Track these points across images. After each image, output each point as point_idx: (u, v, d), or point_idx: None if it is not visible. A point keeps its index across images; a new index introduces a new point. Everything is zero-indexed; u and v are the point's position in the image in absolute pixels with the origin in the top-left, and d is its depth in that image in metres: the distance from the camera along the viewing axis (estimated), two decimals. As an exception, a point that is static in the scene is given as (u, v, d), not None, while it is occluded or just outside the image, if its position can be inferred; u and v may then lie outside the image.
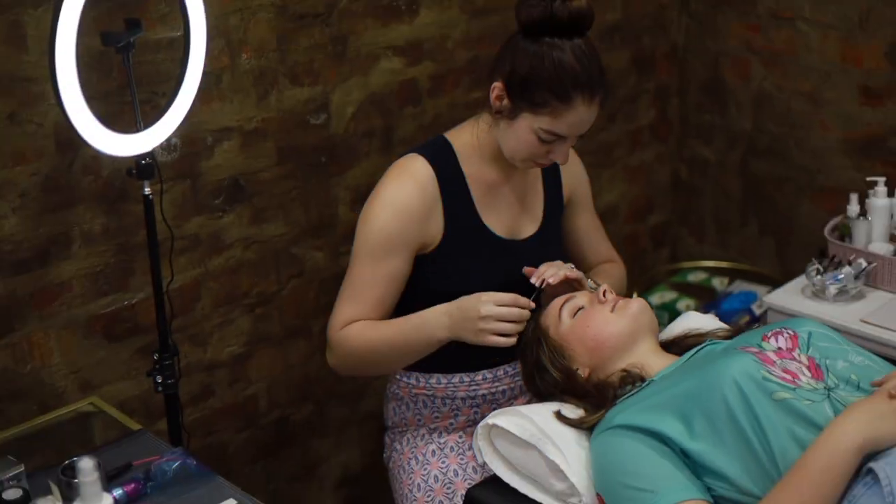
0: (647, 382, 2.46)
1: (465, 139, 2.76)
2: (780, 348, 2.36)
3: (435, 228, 2.70)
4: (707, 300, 4.29)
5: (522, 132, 2.59)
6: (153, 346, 3.04)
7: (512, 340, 2.57)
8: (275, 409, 3.43)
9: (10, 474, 2.44)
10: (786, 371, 2.27)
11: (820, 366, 2.33)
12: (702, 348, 2.52)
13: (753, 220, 4.34)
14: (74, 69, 2.38)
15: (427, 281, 2.71)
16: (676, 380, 2.36)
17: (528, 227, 2.82)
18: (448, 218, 2.70)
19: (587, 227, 3.01)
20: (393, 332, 2.67)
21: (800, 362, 2.32)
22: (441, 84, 3.57)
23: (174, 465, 2.52)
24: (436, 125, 3.54)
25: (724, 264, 4.45)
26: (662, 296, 4.28)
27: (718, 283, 4.36)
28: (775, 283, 4.21)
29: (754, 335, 2.45)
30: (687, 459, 2.25)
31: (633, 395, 2.43)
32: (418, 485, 2.80)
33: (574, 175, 2.93)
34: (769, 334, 2.42)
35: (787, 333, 2.41)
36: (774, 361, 2.30)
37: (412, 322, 2.65)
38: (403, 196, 2.67)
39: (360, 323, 2.68)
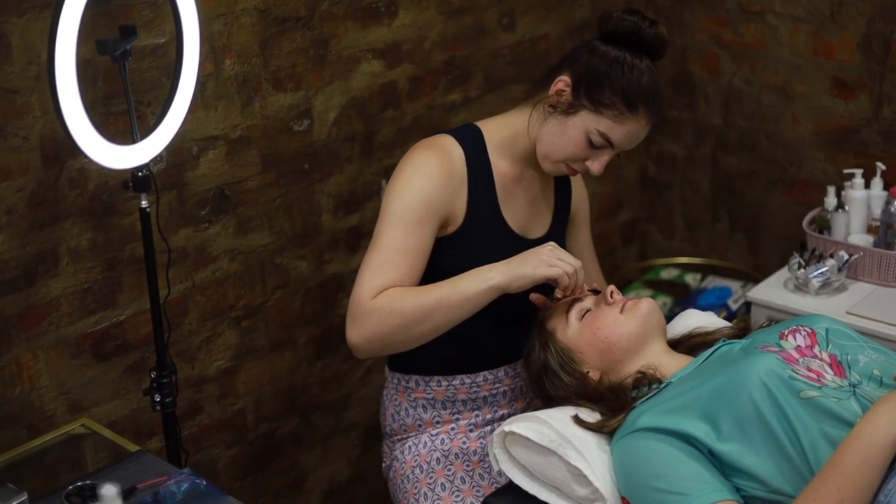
0: (664, 384, 2.43)
1: (496, 130, 2.74)
2: (799, 346, 2.34)
3: (459, 207, 2.67)
4: (681, 297, 4.28)
5: (574, 130, 2.60)
6: (142, 363, 3.00)
7: (566, 283, 2.54)
8: (262, 423, 3.37)
9: (14, 503, 2.35)
10: (810, 370, 2.26)
11: (842, 363, 2.31)
12: (717, 348, 2.49)
13: (724, 215, 4.33)
14: (74, 79, 2.30)
15: (442, 265, 2.66)
16: (697, 381, 2.33)
17: (538, 229, 2.81)
18: (471, 201, 2.68)
19: (582, 248, 3.01)
20: (440, 287, 2.56)
21: (821, 360, 2.31)
22: (419, 86, 3.52)
23: (183, 487, 2.45)
24: (415, 128, 3.50)
25: (696, 260, 4.44)
26: (638, 294, 4.26)
27: (691, 279, 4.35)
28: (747, 277, 4.22)
29: (770, 333, 2.43)
30: (714, 460, 2.22)
31: (651, 397, 2.40)
32: (425, 494, 2.75)
33: (581, 195, 2.97)
34: (786, 332, 2.40)
35: (805, 331, 2.40)
36: (797, 360, 2.28)
37: (463, 275, 2.57)
38: (436, 163, 2.64)
39: (395, 288, 2.57)
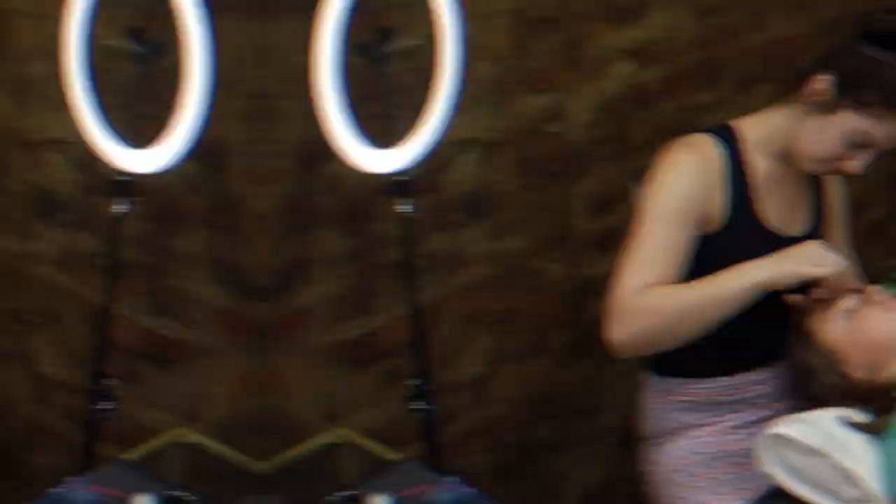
0: (937, 384, 2.35)
1: (752, 129, 2.71)
2: None
3: (716, 206, 2.64)
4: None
5: (834, 130, 2.56)
6: (397, 370, 2.99)
7: (834, 283, 2.51)
8: (517, 428, 3.37)
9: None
10: None
11: None
12: None
13: None
14: (336, 84, 2.33)
15: (700, 265, 2.61)
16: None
17: (795, 228, 2.75)
18: (728, 200, 2.65)
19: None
20: (704, 284, 2.53)
21: None
22: (670, 87, 3.48)
23: (452, 496, 2.44)
24: (667, 130, 3.38)
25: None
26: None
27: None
28: None
29: None
30: None
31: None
32: (686, 498, 2.75)
33: (836, 194, 2.92)
34: None
35: None
36: None
37: (727, 272, 2.54)
38: (693, 162, 2.62)
39: (658, 286, 2.54)
